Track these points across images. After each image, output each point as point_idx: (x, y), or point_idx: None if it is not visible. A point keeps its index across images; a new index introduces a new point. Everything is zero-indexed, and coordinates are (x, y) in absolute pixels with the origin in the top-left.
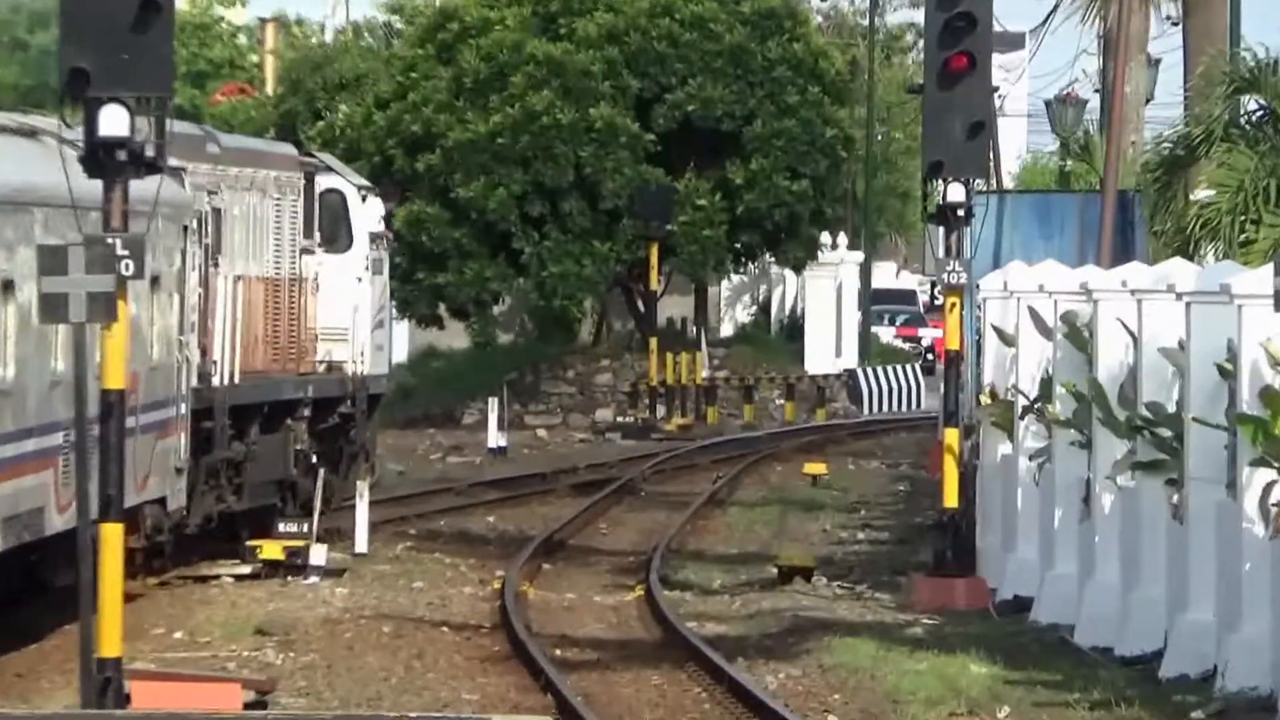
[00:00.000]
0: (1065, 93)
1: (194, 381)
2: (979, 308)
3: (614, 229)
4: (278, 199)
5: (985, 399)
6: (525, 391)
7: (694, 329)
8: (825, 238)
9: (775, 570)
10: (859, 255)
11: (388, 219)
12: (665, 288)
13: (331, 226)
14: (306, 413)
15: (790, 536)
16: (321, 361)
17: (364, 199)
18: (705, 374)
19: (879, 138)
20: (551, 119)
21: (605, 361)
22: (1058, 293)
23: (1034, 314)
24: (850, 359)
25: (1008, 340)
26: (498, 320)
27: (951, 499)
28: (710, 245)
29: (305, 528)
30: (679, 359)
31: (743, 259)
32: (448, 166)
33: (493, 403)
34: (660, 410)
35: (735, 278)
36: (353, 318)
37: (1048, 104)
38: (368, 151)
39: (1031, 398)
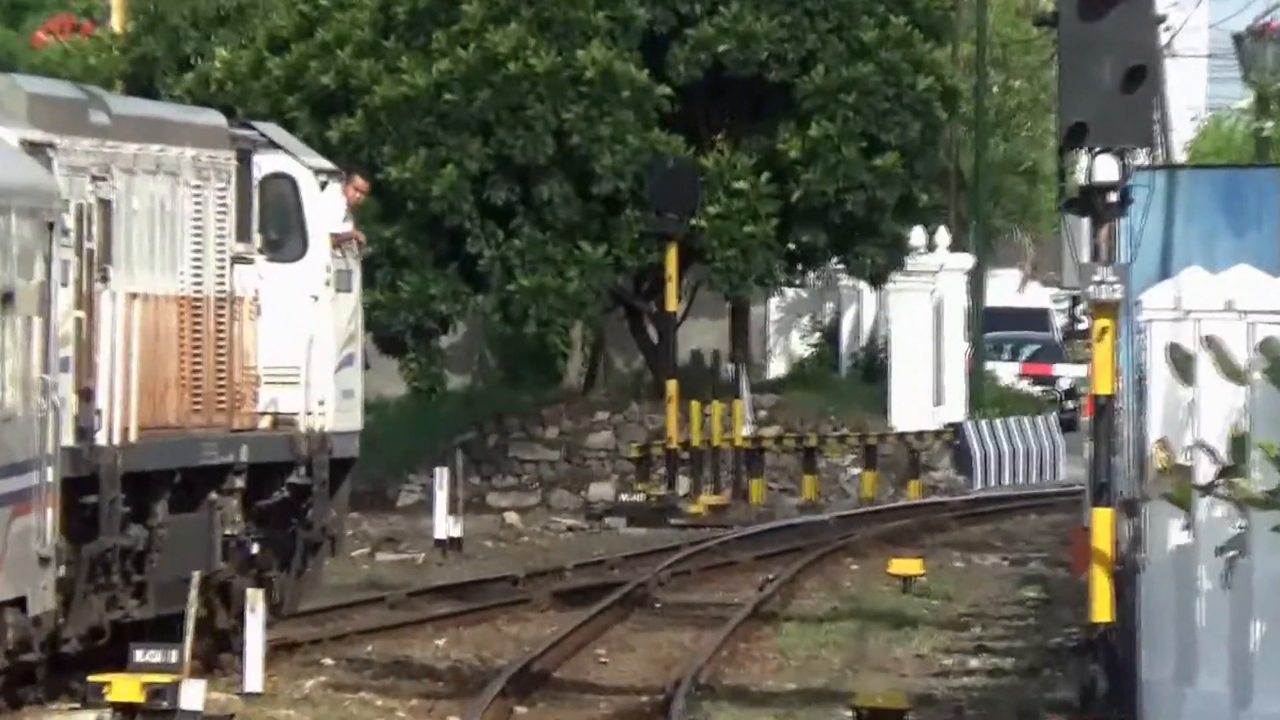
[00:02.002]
0: (1264, 22)
1: (67, 439)
2: (1140, 333)
3: (612, 224)
4: (198, 187)
5: (1159, 455)
6: (488, 458)
7: (730, 368)
8: (918, 235)
9: (852, 715)
10: (967, 260)
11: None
12: (688, 309)
13: (277, 225)
14: (240, 484)
15: (872, 665)
16: (264, 413)
17: (323, 186)
18: (747, 432)
19: (994, 89)
20: (522, 65)
21: (602, 415)
22: (1254, 312)
23: (1217, 344)
24: (955, 409)
25: (1184, 373)
26: (446, 356)
27: (1104, 610)
28: (753, 247)
29: (175, 655)
30: (708, 411)
31: (799, 267)
32: (372, 135)
33: (441, 475)
34: (683, 484)
35: (789, 294)
36: (307, 352)
37: (1237, 40)
38: (258, 113)
39: (1219, 464)
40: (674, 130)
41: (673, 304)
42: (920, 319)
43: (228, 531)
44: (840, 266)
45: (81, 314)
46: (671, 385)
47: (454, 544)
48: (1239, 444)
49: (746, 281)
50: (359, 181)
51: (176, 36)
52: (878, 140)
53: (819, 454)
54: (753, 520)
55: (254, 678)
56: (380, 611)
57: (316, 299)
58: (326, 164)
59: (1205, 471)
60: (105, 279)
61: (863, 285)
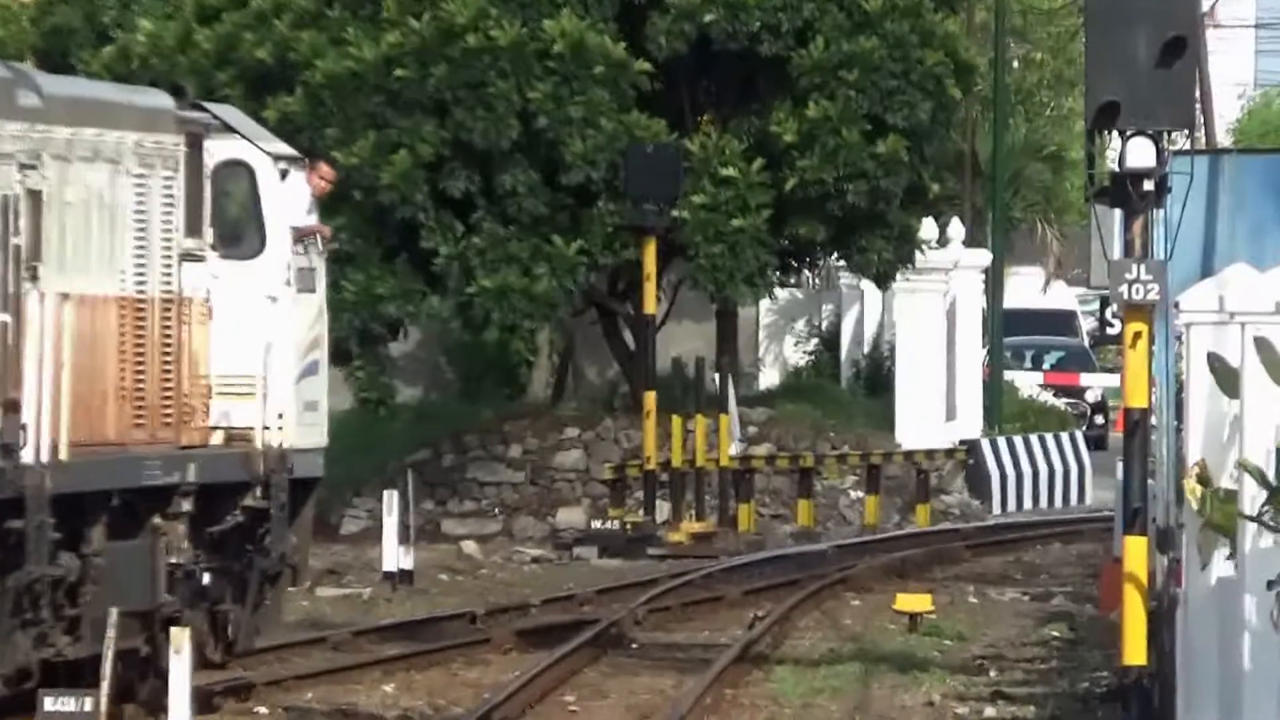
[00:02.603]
0: None
1: None
2: (1179, 339)
3: (584, 217)
4: (141, 176)
5: (1191, 488)
6: (443, 480)
7: (716, 378)
8: (929, 229)
9: None
10: (984, 256)
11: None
12: (669, 311)
13: (232, 218)
14: (187, 507)
15: (876, 714)
16: (216, 427)
17: (284, 175)
18: (735, 450)
19: (1014, 64)
20: (482, 38)
21: (572, 431)
22: None
23: (1268, 346)
24: (971, 424)
25: (1228, 385)
26: (397, 365)
27: (1137, 652)
28: (742, 242)
29: (90, 703)
30: (691, 427)
31: (794, 264)
32: (314, 116)
33: (390, 499)
34: (662, 510)
35: (782, 294)
36: (265, 359)
37: None
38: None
39: (1270, 486)
40: (654, 111)
41: (651, 306)
42: (931, 323)
43: (173, 560)
44: (841, 264)
45: (6, 317)
46: (650, 398)
47: (405, 577)
48: None
49: (734, 280)
50: (324, 169)
51: (94, 6)
52: (883, 122)
53: (816, 475)
54: (741, 550)
55: None
56: (322, 653)
57: (275, 300)
58: (288, 150)
59: (1252, 495)
60: (34, 278)
61: (865, 285)
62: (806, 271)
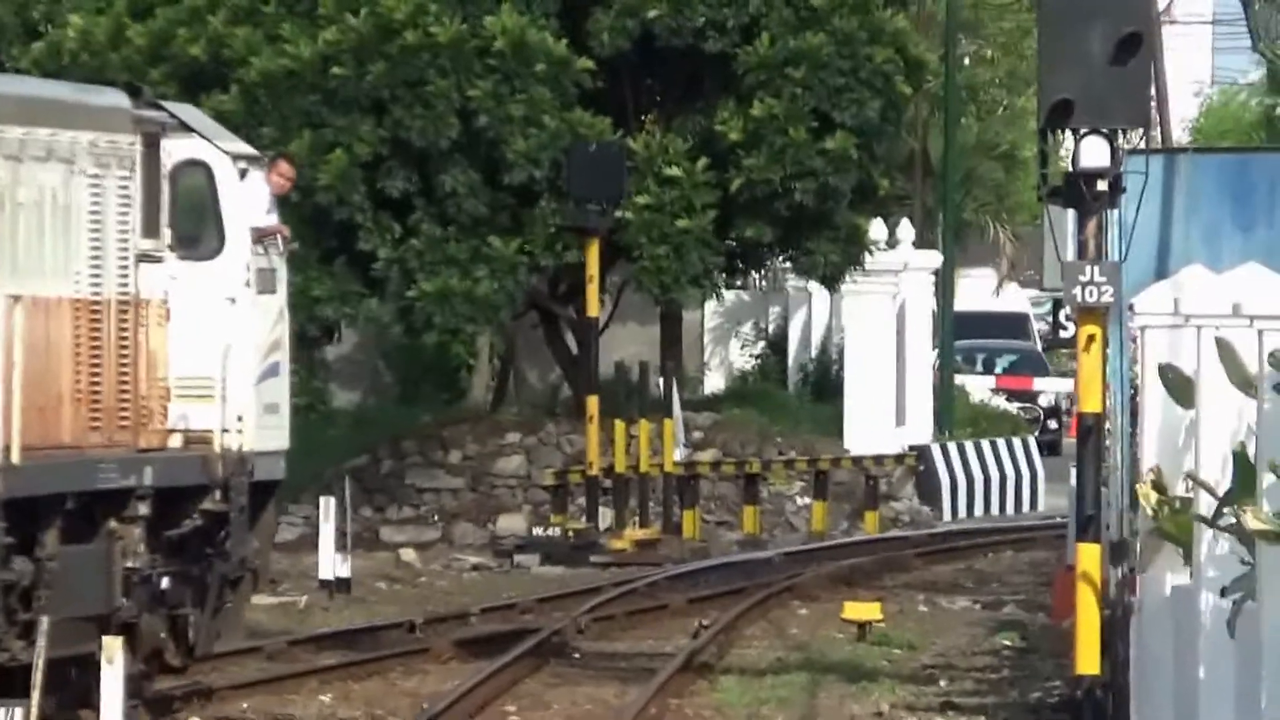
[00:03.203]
0: None
1: None
2: (1134, 342)
3: (526, 218)
4: (96, 176)
5: (1145, 495)
6: (381, 486)
7: (660, 382)
8: (878, 229)
9: None
10: (934, 258)
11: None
12: (612, 314)
13: (190, 219)
14: (144, 510)
15: None
16: (175, 430)
17: (243, 174)
18: (680, 455)
19: (966, 61)
20: (421, 34)
21: (513, 437)
22: (1264, 317)
23: (1227, 347)
24: (921, 430)
25: (1182, 395)
26: (333, 369)
27: (1090, 661)
28: (687, 243)
29: (20, 713)
30: (635, 432)
31: (741, 266)
32: (249, 114)
33: (327, 506)
34: (605, 517)
35: (729, 297)
36: (224, 361)
37: (1245, 4)
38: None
39: (1222, 492)
40: (597, 110)
41: (594, 309)
42: (880, 326)
43: (129, 564)
44: (788, 266)
45: None
46: (592, 402)
47: (342, 585)
48: (1246, 469)
49: (680, 283)
50: (284, 167)
51: (24, 1)
52: (830, 120)
53: (762, 481)
54: (686, 557)
55: None
56: (257, 663)
57: (234, 301)
58: (247, 149)
59: (1208, 501)
60: None
61: (813, 287)
62: (753, 273)
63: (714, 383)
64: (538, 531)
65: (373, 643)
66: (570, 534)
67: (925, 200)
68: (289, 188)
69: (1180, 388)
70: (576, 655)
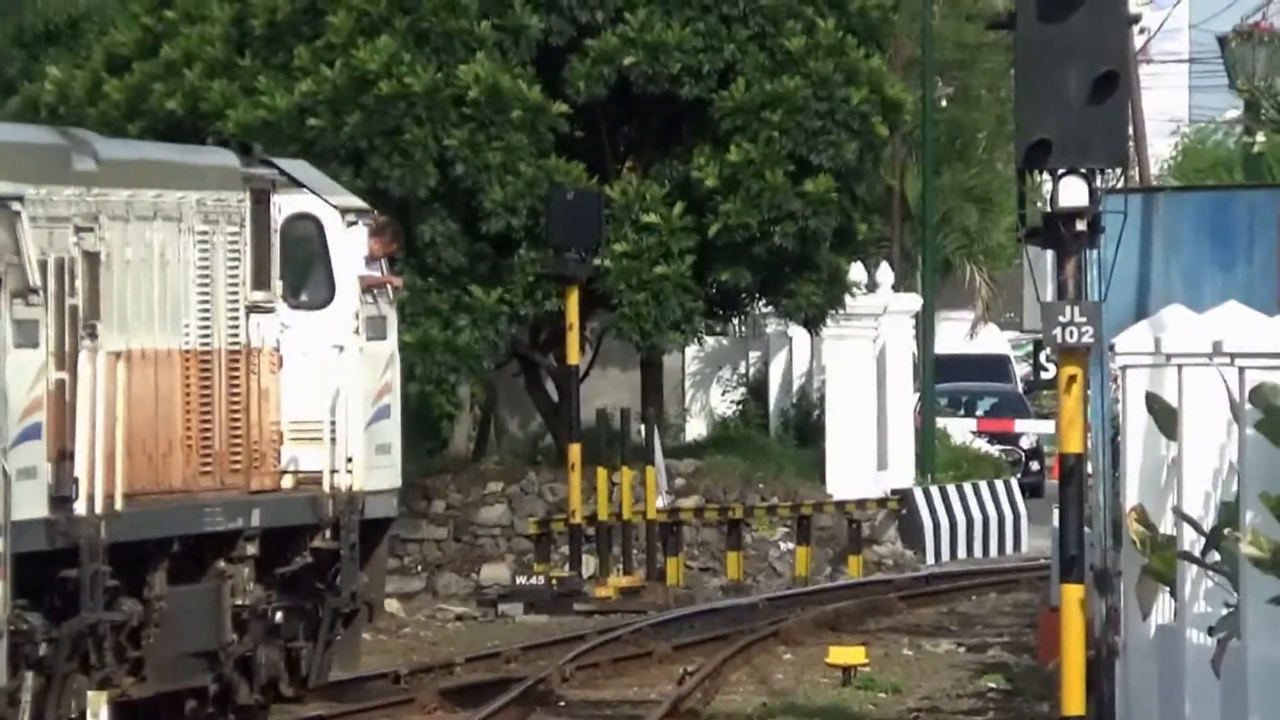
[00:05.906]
0: (1252, 22)
1: (41, 510)
2: (1115, 382)
3: (504, 267)
4: (205, 233)
5: (1131, 533)
6: None
7: (641, 429)
8: (857, 272)
9: None
10: (914, 301)
11: (391, 259)
12: (593, 361)
13: (301, 270)
14: (251, 550)
15: None
16: (286, 471)
17: (350, 225)
18: (662, 503)
19: (943, 102)
20: (396, 84)
21: (495, 486)
22: (1245, 355)
23: (1157, 400)
24: (903, 473)
25: (1167, 426)
26: None
27: (1075, 702)
28: (666, 290)
29: None
30: (617, 479)
31: (720, 311)
32: None
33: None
34: (589, 565)
35: (709, 342)
36: (333, 405)
37: (1222, 42)
38: None
39: (1207, 529)
40: (574, 157)
41: (575, 356)
42: (861, 370)
43: (239, 601)
44: (768, 310)
45: (64, 375)
46: (574, 450)
47: None
48: (1229, 508)
49: (660, 329)
50: (385, 238)
51: (1, 54)
52: (808, 163)
53: (745, 527)
54: (670, 604)
55: None
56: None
57: (343, 348)
58: (356, 202)
59: (1192, 539)
60: (93, 335)
61: (794, 332)
62: (733, 318)
63: (695, 428)
64: (521, 580)
65: (358, 694)
66: (554, 582)
67: (903, 243)
68: (392, 250)
69: (1165, 418)
70: (562, 703)
